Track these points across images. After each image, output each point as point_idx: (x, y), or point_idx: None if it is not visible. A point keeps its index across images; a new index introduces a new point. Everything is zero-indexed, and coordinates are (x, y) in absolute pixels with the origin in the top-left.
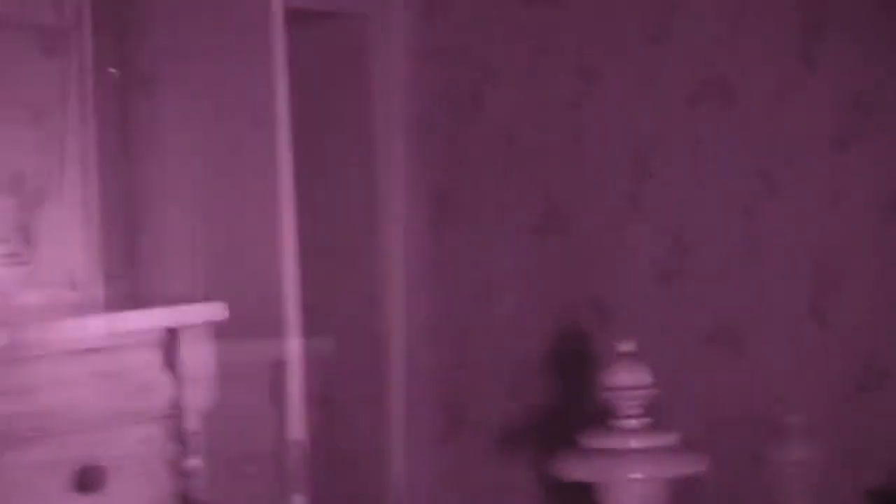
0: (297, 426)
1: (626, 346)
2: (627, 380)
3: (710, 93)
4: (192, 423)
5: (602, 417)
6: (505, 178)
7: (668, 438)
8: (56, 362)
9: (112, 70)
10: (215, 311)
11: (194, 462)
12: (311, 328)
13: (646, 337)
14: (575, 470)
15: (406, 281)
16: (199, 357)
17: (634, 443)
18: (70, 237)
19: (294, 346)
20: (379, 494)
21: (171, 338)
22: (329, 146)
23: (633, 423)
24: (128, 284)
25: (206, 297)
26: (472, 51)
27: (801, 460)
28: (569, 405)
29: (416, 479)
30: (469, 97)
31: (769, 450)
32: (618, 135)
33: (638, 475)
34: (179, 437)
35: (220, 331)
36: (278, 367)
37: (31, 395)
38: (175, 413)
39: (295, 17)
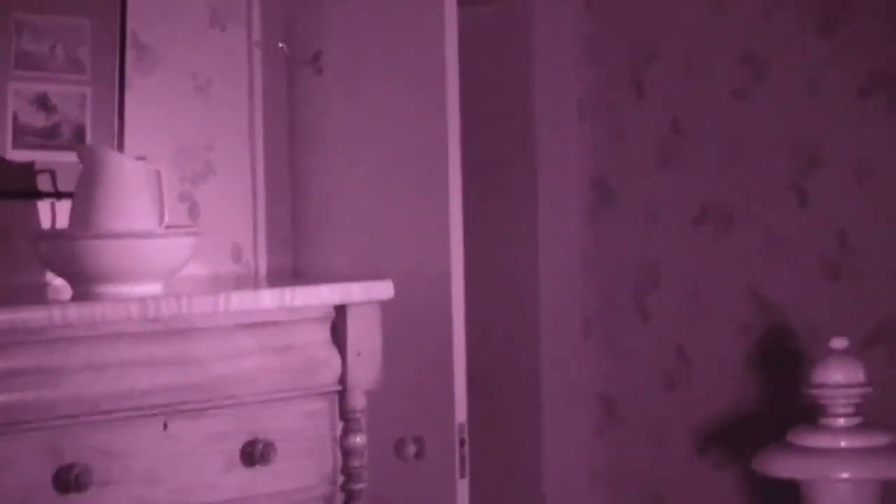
0: (461, 408)
1: (840, 343)
2: (840, 377)
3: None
4: (358, 400)
5: (810, 416)
6: (667, 166)
7: (882, 438)
8: (225, 334)
9: (281, 45)
10: (382, 289)
11: (358, 440)
12: (471, 312)
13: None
14: (783, 467)
15: (563, 267)
16: (365, 334)
17: (845, 442)
18: (235, 210)
19: (459, 328)
20: (534, 484)
21: (338, 314)
22: (492, 129)
23: (842, 421)
24: (291, 259)
25: (371, 276)
26: (636, 36)
27: None
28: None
29: (570, 470)
30: (632, 83)
31: None
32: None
33: (847, 475)
34: (344, 415)
35: (386, 309)
36: (441, 348)
37: (200, 367)
38: (340, 390)
39: None
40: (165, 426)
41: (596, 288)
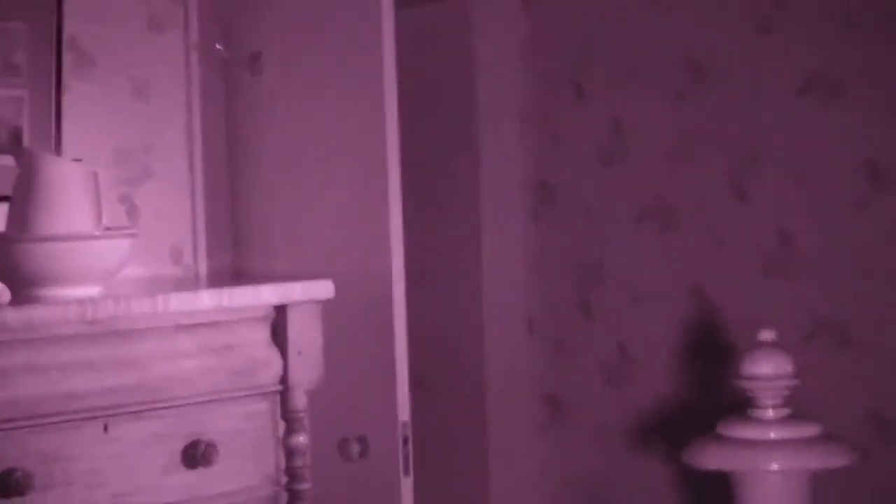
0: (403, 407)
1: (767, 335)
2: (768, 369)
3: (817, 85)
4: (299, 400)
5: (741, 408)
6: (607, 167)
7: (810, 429)
8: (165, 336)
9: (218, 46)
10: (322, 288)
11: (301, 440)
12: (413, 311)
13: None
14: (713, 459)
15: (506, 267)
16: (306, 334)
17: (774, 433)
18: (174, 212)
19: (401, 328)
20: (479, 482)
21: (278, 314)
22: (432, 130)
23: (771, 413)
24: (230, 260)
25: (312, 276)
26: (575, 37)
27: None
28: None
29: (515, 468)
30: (571, 84)
31: None
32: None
33: (776, 466)
34: (286, 415)
35: (328, 309)
36: (383, 347)
37: (140, 368)
38: (282, 390)
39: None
40: (106, 428)
41: (539, 287)
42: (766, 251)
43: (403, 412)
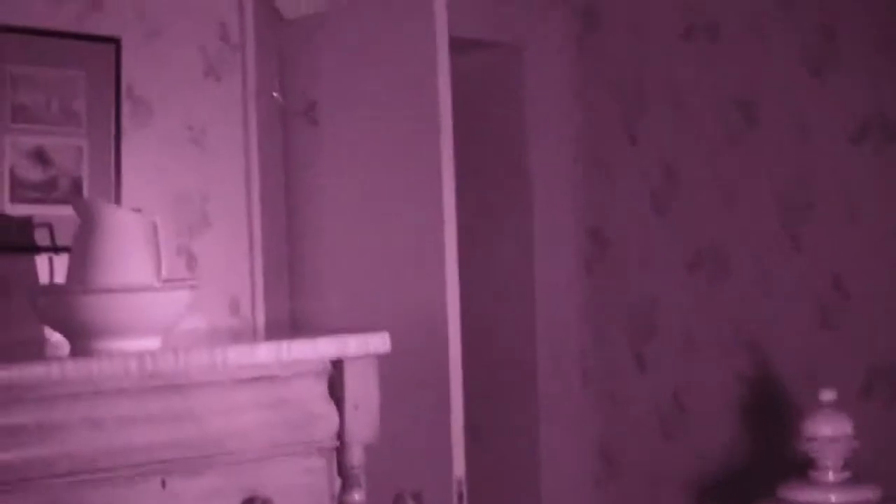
0: (459, 463)
1: (828, 395)
2: (828, 430)
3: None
4: (356, 456)
5: (801, 469)
6: (660, 213)
7: (871, 493)
8: (223, 389)
9: (275, 94)
10: (379, 342)
11: (357, 496)
12: (468, 362)
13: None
14: None
15: (560, 317)
16: (363, 388)
17: (835, 497)
18: (232, 262)
19: (456, 381)
20: None
21: (335, 368)
22: (486, 177)
23: (831, 476)
24: (288, 310)
25: (367, 328)
26: (628, 83)
27: None
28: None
29: None
30: (624, 130)
31: None
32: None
33: None
34: (342, 471)
35: (382, 359)
36: (439, 402)
37: (198, 422)
38: (338, 445)
39: (453, 46)
40: (164, 484)
41: (593, 337)
42: (821, 301)
43: (459, 468)
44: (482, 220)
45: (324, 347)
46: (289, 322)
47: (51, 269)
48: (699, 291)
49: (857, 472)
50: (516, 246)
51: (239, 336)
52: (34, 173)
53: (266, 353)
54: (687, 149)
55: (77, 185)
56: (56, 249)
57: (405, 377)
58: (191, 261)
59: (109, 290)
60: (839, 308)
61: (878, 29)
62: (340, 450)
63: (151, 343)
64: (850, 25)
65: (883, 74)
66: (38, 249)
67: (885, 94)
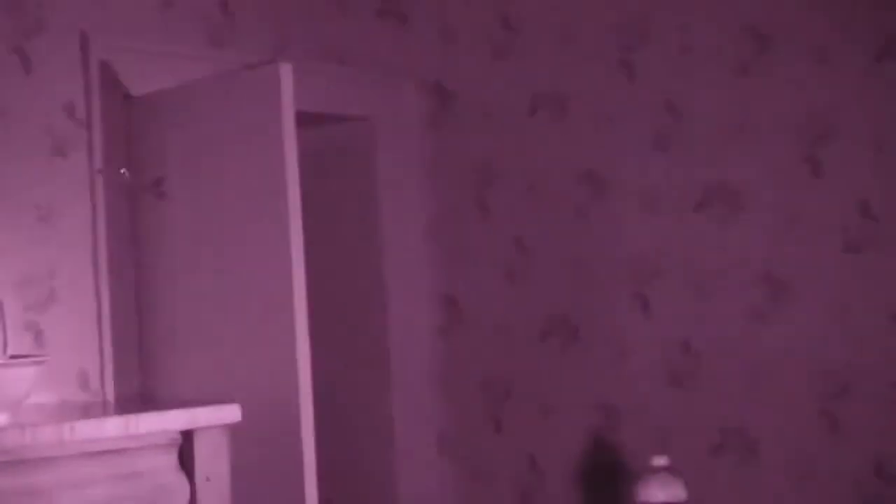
0: None
1: (660, 461)
2: (661, 495)
3: (716, 198)
4: None
5: None
6: (512, 282)
7: None
8: (73, 464)
9: (122, 171)
10: (230, 412)
11: None
12: (319, 434)
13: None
14: None
15: (415, 385)
16: (214, 459)
17: None
18: (81, 337)
19: (309, 454)
20: None
21: (185, 440)
22: (337, 246)
23: None
24: (138, 384)
25: (219, 400)
26: (478, 156)
27: None
28: None
29: None
30: (475, 202)
31: None
32: (623, 241)
33: None
34: None
35: (234, 434)
36: (292, 474)
37: (48, 498)
38: None
39: (303, 119)
40: None
41: (450, 404)
42: (669, 358)
43: None
44: (334, 289)
45: (173, 419)
46: (139, 395)
47: None
48: (546, 360)
49: None
50: (369, 313)
51: (88, 410)
52: None
53: (115, 426)
54: (537, 220)
55: None
56: None
57: (258, 449)
58: (39, 337)
59: None
60: (686, 369)
61: None
62: None
63: None
64: None
65: None
66: None
67: None
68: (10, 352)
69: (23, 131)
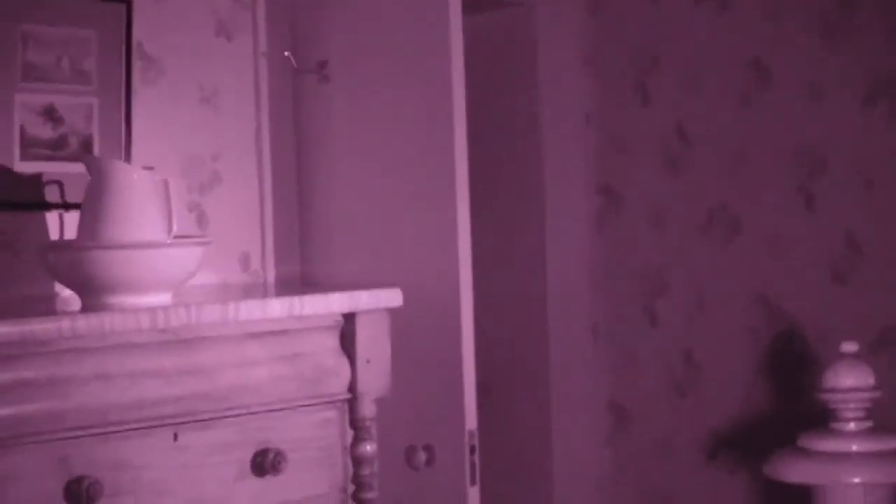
0: (470, 416)
1: (850, 347)
2: (851, 381)
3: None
4: (367, 408)
5: (818, 421)
6: (672, 173)
7: (892, 442)
8: (235, 344)
9: (286, 53)
10: (391, 296)
11: (369, 448)
12: (477, 317)
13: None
14: (794, 472)
15: (570, 276)
16: (374, 343)
17: (857, 446)
18: (243, 219)
19: (468, 335)
20: (543, 491)
21: (347, 322)
22: (496, 136)
23: (853, 425)
24: (298, 267)
25: (380, 284)
26: (640, 41)
27: None
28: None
29: (579, 478)
30: (636, 89)
31: None
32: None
33: (859, 479)
34: (354, 423)
35: (394, 316)
36: (450, 356)
37: (210, 376)
38: (350, 398)
39: (465, 5)
40: (175, 437)
41: (604, 294)
42: (834, 259)
43: (470, 421)
44: (493, 175)
45: (336, 302)
46: (300, 278)
47: (61, 226)
48: (705, 251)
49: (878, 424)
50: (527, 201)
51: (250, 292)
52: (44, 131)
53: (279, 307)
54: (699, 108)
55: (87, 144)
56: (67, 206)
57: (417, 332)
58: (202, 218)
59: (121, 246)
60: (851, 267)
61: None
62: (352, 403)
63: (163, 298)
64: None
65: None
66: (49, 206)
67: None
68: (174, 232)
69: (188, 12)
